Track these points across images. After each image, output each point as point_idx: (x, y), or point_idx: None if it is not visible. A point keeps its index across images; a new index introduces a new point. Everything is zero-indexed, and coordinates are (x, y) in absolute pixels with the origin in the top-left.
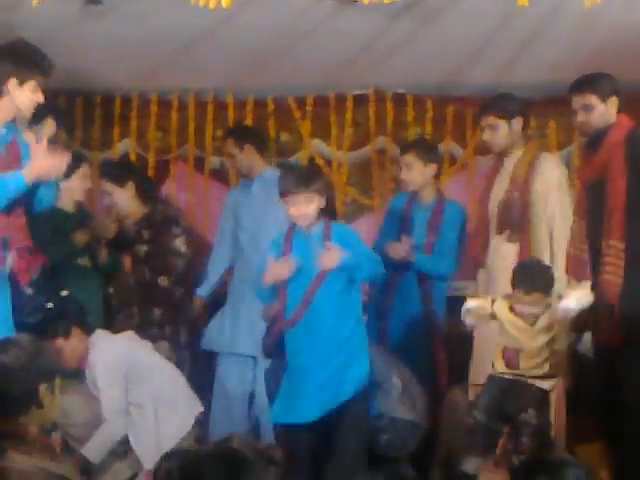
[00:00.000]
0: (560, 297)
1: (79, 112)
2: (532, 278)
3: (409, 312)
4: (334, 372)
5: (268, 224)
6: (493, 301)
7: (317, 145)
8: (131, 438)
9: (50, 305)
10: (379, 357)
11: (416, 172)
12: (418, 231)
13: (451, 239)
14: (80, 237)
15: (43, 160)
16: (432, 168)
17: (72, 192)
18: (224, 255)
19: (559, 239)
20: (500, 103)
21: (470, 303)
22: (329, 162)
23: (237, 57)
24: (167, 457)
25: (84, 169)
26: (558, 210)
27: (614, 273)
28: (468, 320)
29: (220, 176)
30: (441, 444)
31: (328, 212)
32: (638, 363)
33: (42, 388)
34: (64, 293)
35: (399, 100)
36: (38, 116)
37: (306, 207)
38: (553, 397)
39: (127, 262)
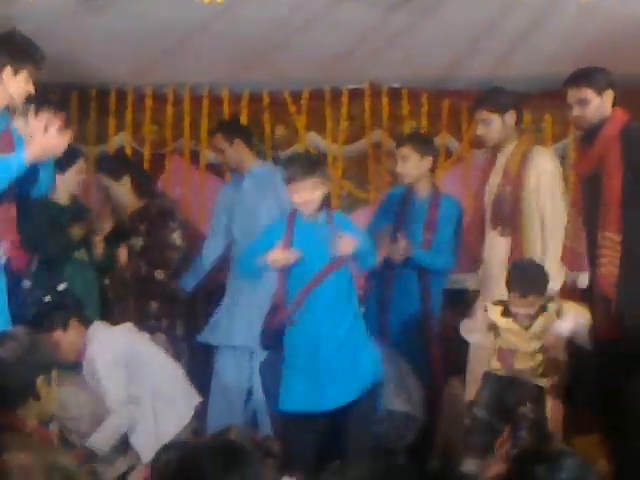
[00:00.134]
0: (559, 313)
1: (74, 106)
2: (527, 281)
3: (408, 306)
4: (346, 361)
5: (261, 218)
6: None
7: (313, 139)
8: (129, 431)
9: (48, 298)
10: None
11: (412, 165)
12: (414, 225)
13: (448, 234)
14: (77, 230)
15: (43, 138)
16: (428, 161)
17: (67, 186)
18: (215, 249)
19: (552, 232)
20: (493, 97)
21: (468, 323)
22: (324, 156)
23: (233, 51)
24: (165, 449)
25: (79, 163)
26: (551, 203)
27: (610, 265)
28: (471, 339)
29: (216, 170)
30: (439, 436)
31: (323, 203)
32: (635, 355)
33: (39, 380)
34: (62, 287)
35: (394, 94)
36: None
37: (311, 194)
38: (549, 391)
39: (123, 255)
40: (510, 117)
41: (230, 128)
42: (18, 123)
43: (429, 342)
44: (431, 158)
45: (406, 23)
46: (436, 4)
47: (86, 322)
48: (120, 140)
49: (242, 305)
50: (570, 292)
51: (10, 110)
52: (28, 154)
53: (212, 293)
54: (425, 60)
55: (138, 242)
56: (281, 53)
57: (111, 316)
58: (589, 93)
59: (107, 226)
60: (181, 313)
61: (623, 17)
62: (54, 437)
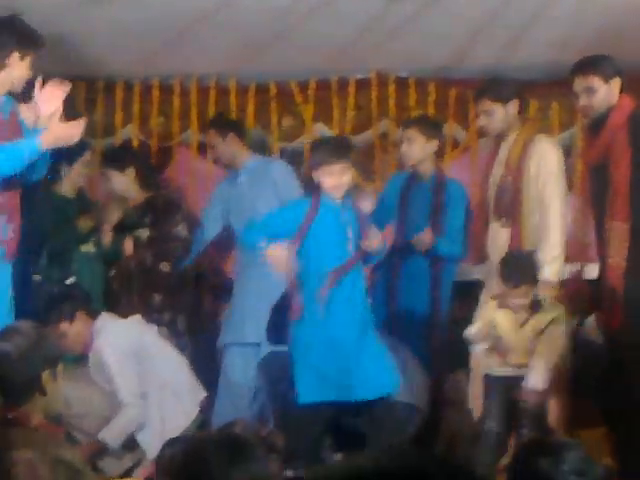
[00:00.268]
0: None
1: (81, 98)
2: (519, 271)
3: (416, 293)
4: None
5: (261, 211)
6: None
7: (319, 129)
8: (136, 428)
9: (71, 280)
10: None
11: (417, 147)
12: (418, 209)
13: (458, 220)
14: (84, 223)
15: (59, 127)
16: (433, 144)
17: (74, 178)
18: (215, 220)
19: (552, 219)
20: (494, 87)
21: (472, 330)
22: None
23: (239, 42)
24: (169, 443)
25: (86, 156)
26: (551, 190)
27: (618, 256)
28: (476, 345)
29: None
30: (445, 425)
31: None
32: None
33: (45, 375)
34: (70, 280)
35: (401, 83)
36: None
37: (340, 178)
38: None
39: (129, 246)
40: (513, 107)
41: (222, 123)
42: (22, 108)
43: (435, 332)
44: (437, 141)
45: (412, 12)
46: None
47: (93, 314)
48: (127, 132)
49: (251, 301)
50: (577, 283)
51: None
52: (42, 142)
53: (217, 287)
54: (431, 49)
55: (144, 233)
56: (287, 43)
57: (115, 308)
58: (596, 81)
59: (116, 216)
60: (183, 307)
61: (628, 3)
62: (60, 432)
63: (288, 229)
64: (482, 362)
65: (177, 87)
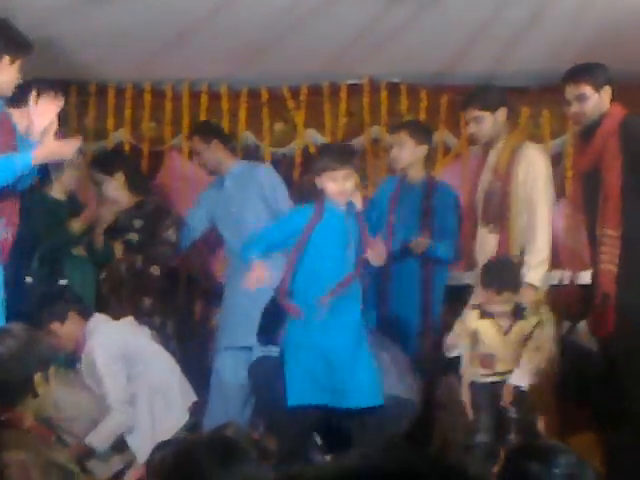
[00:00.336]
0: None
1: (73, 102)
2: (502, 277)
3: (408, 295)
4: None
5: (248, 216)
6: (461, 320)
7: (311, 135)
8: (126, 431)
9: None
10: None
11: (407, 151)
12: (407, 212)
13: (449, 223)
14: (76, 226)
15: (53, 143)
16: (423, 149)
17: (65, 181)
18: (200, 219)
19: (542, 225)
20: (483, 95)
21: (449, 339)
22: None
23: (231, 47)
24: (160, 446)
25: (77, 159)
26: (542, 197)
27: (609, 263)
28: (455, 351)
29: None
30: (438, 425)
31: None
32: (633, 351)
33: (37, 377)
34: (62, 283)
35: (393, 90)
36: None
37: (344, 183)
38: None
39: (118, 250)
40: (501, 114)
41: (207, 129)
42: (15, 113)
43: (427, 335)
44: (426, 146)
45: (405, 18)
46: (433, 0)
47: (85, 314)
48: (119, 136)
49: (243, 304)
50: (569, 288)
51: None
52: (36, 157)
53: (208, 292)
54: (424, 55)
55: (135, 237)
56: (280, 49)
57: (106, 311)
58: (588, 89)
59: (109, 219)
60: (174, 311)
61: (621, 12)
62: (51, 435)
63: (288, 240)
64: (467, 370)
65: (169, 92)
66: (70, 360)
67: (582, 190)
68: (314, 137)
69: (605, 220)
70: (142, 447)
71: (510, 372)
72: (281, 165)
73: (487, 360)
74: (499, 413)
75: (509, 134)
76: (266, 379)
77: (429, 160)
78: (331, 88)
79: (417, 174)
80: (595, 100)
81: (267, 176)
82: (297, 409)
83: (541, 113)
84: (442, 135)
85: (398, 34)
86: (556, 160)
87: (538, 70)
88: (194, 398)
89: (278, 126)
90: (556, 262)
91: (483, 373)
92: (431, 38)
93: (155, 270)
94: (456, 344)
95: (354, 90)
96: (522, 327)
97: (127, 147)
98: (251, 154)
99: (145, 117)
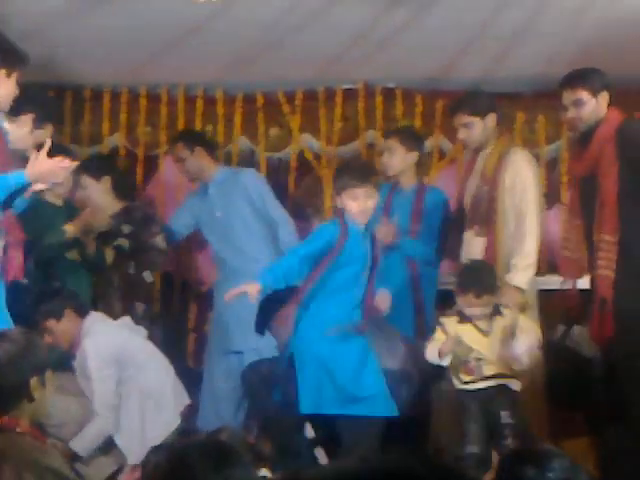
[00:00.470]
0: (514, 326)
1: (68, 107)
2: (481, 280)
3: (397, 299)
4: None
5: (234, 222)
6: (441, 327)
7: (306, 140)
8: (114, 431)
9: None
10: None
11: (398, 157)
12: (400, 217)
13: (434, 224)
14: (70, 230)
15: (45, 163)
16: (414, 155)
17: (59, 186)
18: (185, 220)
19: (531, 229)
20: (472, 101)
21: (430, 350)
22: (318, 157)
23: (226, 52)
24: (154, 450)
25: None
26: (530, 202)
27: (607, 267)
28: (439, 360)
29: None
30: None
31: None
32: (631, 356)
33: (33, 382)
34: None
35: (388, 94)
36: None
37: (365, 202)
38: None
39: (109, 256)
40: (491, 119)
41: (190, 137)
42: (12, 127)
43: (419, 337)
44: (417, 153)
45: (400, 24)
46: (430, 4)
47: (82, 313)
48: (114, 141)
49: (234, 309)
50: (568, 294)
51: None
52: (28, 176)
53: (200, 296)
54: (419, 61)
55: (125, 243)
56: (275, 54)
57: None
58: (584, 94)
59: (100, 224)
60: (166, 316)
61: (617, 18)
62: (45, 440)
63: (308, 270)
64: (453, 379)
65: (164, 96)
66: (63, 361)
67: (579, 196)
68: (309, 142)
69: (602, 226)
70: (131, 449)
71: (500, 376)
72: (276, 170)
73: (473, 367)
74: (493, 418)
75: (497, 139)
76: (260, 384)
77: (424, 165)
78: (326, 93)
79: (409, 181)
80: (592, 105)
81: (251, 179)
82: (291, 414)
83: (536, 118)
84: (437, 140)
85: (393, 39)
86: (551, 165)
87: (533, 76)
88: (187, 401)
89: (273, 131)
90: (553, 269)
91: (468, 380)
92: (426, 43)
93: (148, 276)
94: (444, 351)
95: (349, 95)
96: (503, 323)
97: (122, 152)
98: (246, 159)
99: (140, 122)
